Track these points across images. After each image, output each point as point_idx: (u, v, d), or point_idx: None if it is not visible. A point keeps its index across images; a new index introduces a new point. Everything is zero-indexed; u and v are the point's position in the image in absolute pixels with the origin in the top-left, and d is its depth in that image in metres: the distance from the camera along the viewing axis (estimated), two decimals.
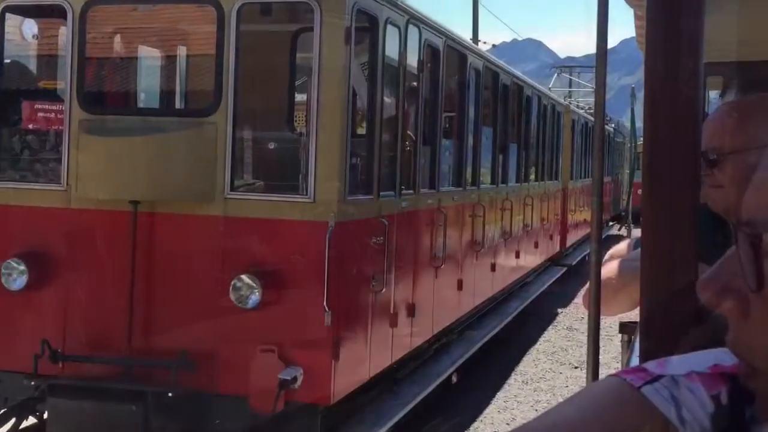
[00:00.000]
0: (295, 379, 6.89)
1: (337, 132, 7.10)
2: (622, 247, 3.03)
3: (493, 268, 12.97)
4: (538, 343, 15.19)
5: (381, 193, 8.02)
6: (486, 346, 12.52)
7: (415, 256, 9.21)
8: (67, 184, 7.42)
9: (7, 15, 7.94)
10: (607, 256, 2.96)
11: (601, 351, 2.81)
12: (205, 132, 7.23)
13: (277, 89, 9.43)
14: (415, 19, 8.95)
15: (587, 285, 2.66)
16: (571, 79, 42.97)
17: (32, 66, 8.92)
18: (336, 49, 7.12)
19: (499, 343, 13.99)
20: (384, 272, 7.97)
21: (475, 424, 10.36)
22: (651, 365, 1.18)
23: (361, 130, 8.58)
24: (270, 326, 7.05)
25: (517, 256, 15.04)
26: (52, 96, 8.21)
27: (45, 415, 7.25)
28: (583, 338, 14.87)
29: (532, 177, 16.89)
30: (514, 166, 14.93)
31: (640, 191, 1.93)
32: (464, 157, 11.39)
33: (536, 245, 17.06)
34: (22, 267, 7.43)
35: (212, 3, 7.30)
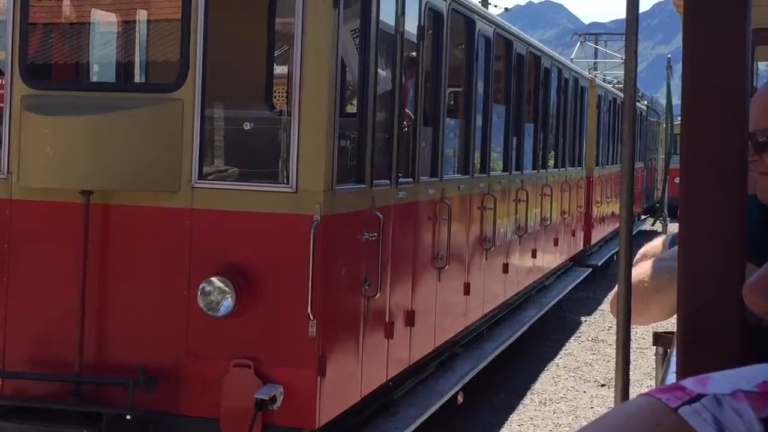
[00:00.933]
0: (274, 399, 6.89)
1: (323, 110, 7.09)
2: (656, 244, 3.03)
3: (505, 269, 12.99)
4: (558, 357, 15.21)
5: (375, 182, 8.02)
6: (497, 361, 12.53)
7: (415, 256, 9.22)
8: (8, 171, 7.41)
9: None
10: (638, 256, 2.97)
11: (631, 366, 2.81)
12: (169, 110, 7.22)
13: (254, 60, 9.42)
14: None
15: (615, 289, 2.66)
16: (596, 49, 43.02)
17: None
18: (322, 13, 7.11)
19: (513, 357, 14.00)
20: (378, 274, 7.98)
21: None
22: (690, 383, 1.18)
23: (352, 108, 8.56)
24: (245, 337, 7.05)
25: (534, 255, 15.06)
26: None
27: None
28: (611, 351, 14.88)
29: (551, 163, 16.91)
30: (530, 151, 14.93)
31: (677, 179, 1.93)
32: (472, 140, 11.40)
33: (556, 242, 17.08)
34: None
35: None
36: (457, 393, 10.41)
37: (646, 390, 1.20)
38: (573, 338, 16.69)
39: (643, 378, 13.07)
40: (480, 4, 13.03)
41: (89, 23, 9.05)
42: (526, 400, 12.50)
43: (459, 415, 10.99)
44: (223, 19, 8.13)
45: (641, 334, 15.36)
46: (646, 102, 35.20)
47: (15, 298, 7.42)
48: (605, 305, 19.33)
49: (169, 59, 8.06)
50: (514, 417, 11.72)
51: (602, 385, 13.35)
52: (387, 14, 8.34)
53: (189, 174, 7.19)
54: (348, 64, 7.93)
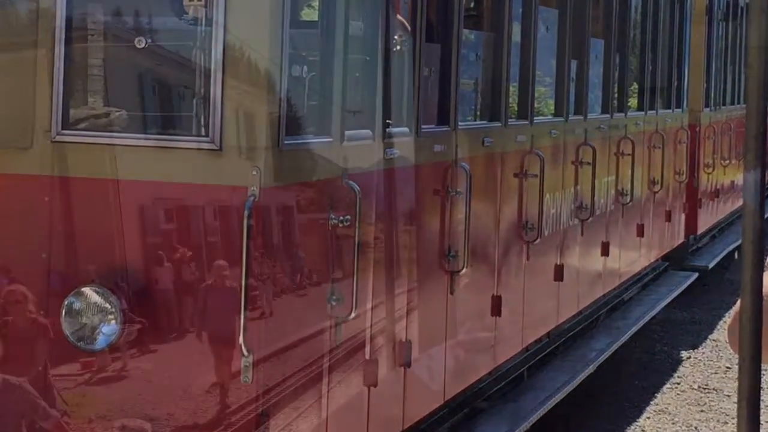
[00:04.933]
0: None
1: (263, 16, 7.08)
2: None
3: (558, 274, 12.99)
4: (645, 414, 15.26)
5: (347, 134, 8.00)
6: (546, 420, 12.56)
7: (412, 253, 9.22)
8: None
9: None
10: None
11: (763, 430, 2.82)
12: (14, 17, 7.20)
13: None
14: None
15: (736, 307, 2.66)
16: None
17: None
18: None
19: (572, 415, 14.03)
20: (353, 282, 7.97)
21: None
22: None
23: (310, 14, 8.55)
24: (138, 384, 7.05)
25: (605, 251, 15.06)
26: None
27: None
28: (731, 407, 14.94)
29: (633, 103, 16.90)
30: (599, 83, 14.93)
31: None
32: (505, 66, 11.38)
33: (640, 231, 17.09)
34: None
35: None
36: None
37: None
38: (668, 385, 16.74)
39: None
40: None
41: None
42: None
43: None
44: None
45: None
46: None
47: None
48: (720, 333, 19.38)
49: None
50: None
51: None
52: None
53: (47, 121, 7.17)
54: None
